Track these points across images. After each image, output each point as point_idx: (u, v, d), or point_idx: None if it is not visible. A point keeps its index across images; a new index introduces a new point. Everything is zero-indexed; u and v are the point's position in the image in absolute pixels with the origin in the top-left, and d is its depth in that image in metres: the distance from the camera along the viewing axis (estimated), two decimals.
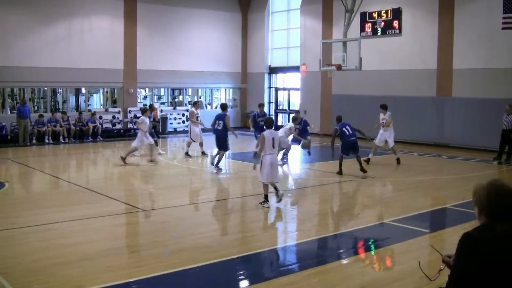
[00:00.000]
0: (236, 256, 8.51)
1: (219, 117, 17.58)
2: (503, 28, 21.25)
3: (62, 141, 25.66)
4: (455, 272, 3.30)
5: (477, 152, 21.48)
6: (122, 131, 28.70)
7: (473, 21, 23.35)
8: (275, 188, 12.19)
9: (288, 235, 10.60)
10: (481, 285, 3.15)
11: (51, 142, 25.36)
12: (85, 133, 26.69)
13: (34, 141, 24.93)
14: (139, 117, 20.16)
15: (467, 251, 3.25)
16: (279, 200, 12.18)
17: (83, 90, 30.11)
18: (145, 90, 32.39)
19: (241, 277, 7.84)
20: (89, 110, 28.34)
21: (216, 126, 17.56)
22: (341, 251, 9.36)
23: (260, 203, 12.07)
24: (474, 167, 18.28)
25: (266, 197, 12.08)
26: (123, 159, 18.05)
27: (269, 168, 11.85)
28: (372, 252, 9.28)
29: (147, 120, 18.93)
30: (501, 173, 17.73)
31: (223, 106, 18.64)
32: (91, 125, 26.80)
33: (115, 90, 30.56)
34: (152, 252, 8.74)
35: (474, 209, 3.40)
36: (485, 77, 22.99)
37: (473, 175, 16.79)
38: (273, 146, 11.99)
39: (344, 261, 8.59)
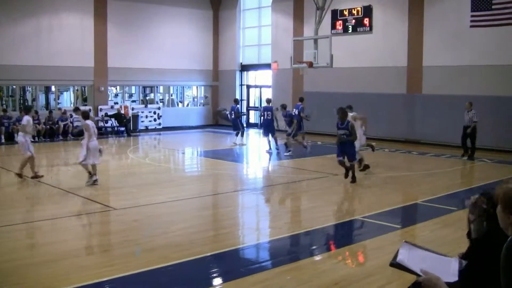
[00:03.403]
0: (209, 254, 8.49)
1: (266, 109, 21.66)
2: (471, 26, 21.57)
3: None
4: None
5: (447, 148, 21.71)
6: None
7: (443, 19, 23.63)
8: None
9: (261, 233, 10.60)
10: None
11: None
12: (55, 131, 26.30)
13: (3, 140, 24.43)
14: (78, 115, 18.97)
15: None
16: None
17: (53, 88, 29.76)
18: (116, 88, 32.13)
19: (214, 275, 7.83)
20: (59, 109, 27.96)
21: (266, 116, 21.42)
22: (314, 247, 9.39)
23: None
24: (444, 163, 18.48)
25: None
26: (19, 175, 15.20)
27: None
28: (345, 248, 9.34)
29: (31, 121, 16.28)
30: (471, 168, 17.96)
31: (268, 100, 22.58)
32: (61, 124, 26.44)
33: (86, 88, 30.24)
34: (124, 251, 8.69)
35: (503, 218, 3.09)
36: (454, 74, 23.28)
37: (443, 171, 16.99)
38: None
39: (317, 258, 8.63)
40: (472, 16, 21.46)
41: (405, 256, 3.57)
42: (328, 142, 21.13)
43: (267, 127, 21.53)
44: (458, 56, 23.08)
